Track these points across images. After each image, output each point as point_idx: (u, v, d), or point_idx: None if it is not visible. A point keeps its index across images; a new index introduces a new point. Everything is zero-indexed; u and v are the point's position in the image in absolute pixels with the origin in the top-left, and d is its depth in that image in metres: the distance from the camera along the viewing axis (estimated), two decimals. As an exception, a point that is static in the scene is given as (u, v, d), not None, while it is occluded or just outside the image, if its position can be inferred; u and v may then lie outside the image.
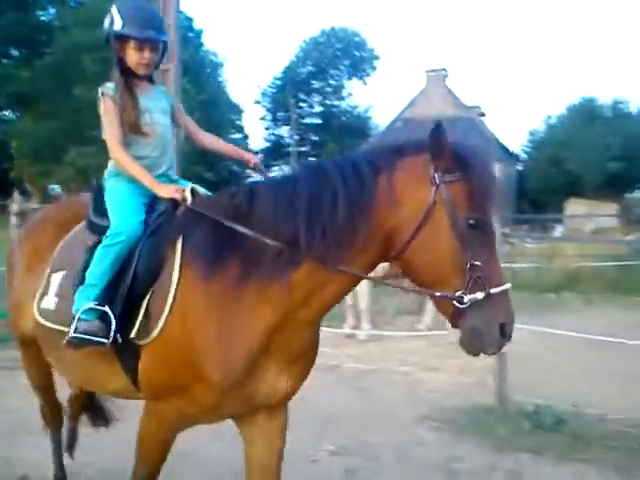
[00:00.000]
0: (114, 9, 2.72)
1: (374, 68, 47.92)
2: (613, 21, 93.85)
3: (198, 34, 33.36)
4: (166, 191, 2.58)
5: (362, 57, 46.67)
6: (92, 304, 2.42)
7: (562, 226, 24.19)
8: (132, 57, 2.75)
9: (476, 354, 2.26)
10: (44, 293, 2.69)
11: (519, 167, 41.15)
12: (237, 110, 38.99)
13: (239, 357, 2.30)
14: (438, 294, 2.22)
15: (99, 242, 2.52)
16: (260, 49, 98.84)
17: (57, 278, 2.66)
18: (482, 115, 38.10)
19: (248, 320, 2.30)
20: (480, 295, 2.15)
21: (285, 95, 40.09)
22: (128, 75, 2.75)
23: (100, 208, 2.70)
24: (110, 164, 2.78)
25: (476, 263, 2.16)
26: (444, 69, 36.83)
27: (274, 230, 2.28)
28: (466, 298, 2.16)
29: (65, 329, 2.48)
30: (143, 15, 2.77)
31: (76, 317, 2.40)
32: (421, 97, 36.70)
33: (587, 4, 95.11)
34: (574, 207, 28.20)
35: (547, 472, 4.08)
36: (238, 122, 39.32)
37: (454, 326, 2.26)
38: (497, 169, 2.56)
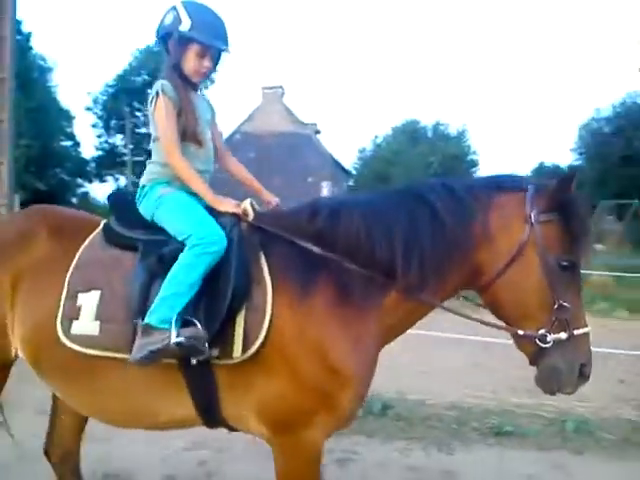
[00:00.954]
0: (181, 7, 2.54)
1: (212, 81, 47.78)
2: (435, 50, 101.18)
3: (27, 37, 31.44)
4: (227, 206, 2.46)
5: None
6: (180, 315, 2.21)
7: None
8: (191, 62, 2.58)
9: (552, 393, 2.31)
10: (72, 317, 2.35)
11: (350, 183, 43.06)
12: (68, 117, 37.13)
13: (369, 364, 2.34)
14: (521, 333, 2.25)
15: (161, 257, 2.33)
16: (91, 54, 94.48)
17: (90, 299, 2.35)
18: (318, 132, 39.48)
19: (364, 336, 2.29)
20: (563, 336, 2.20)
21: (119, 103, 38.76)
22: (183, 79, 2.59)
23: (128, 218, 2.53)
24: (154, 171, 2.59)
25: (564, 304, 2.20)
26: (281, 87, 37.64)
27: (366, 257, 2.27)
28: (549, 337, 2.21)
29: (117, 355, 2.29)
30: (213, 21, 2.59)
31: (173, 325, 2.17)
32: (258, 112, 37.28)
33: (409, 33, 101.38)
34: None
35: (378, 450, 4.51)
36: (69, 129, 37.44)
37: (532, 364, 2.32)
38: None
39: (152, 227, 2.49)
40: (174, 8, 2.54)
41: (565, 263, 2.21)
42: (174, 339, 2.13)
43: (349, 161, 44.50)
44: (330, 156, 38.51)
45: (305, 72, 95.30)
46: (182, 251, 2.28)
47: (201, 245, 2.24)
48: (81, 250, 2.45)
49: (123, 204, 2.64)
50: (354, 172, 44.25)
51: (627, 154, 33.98)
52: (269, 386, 2.24)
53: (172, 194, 2.49)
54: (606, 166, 34.58)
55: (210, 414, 2.36)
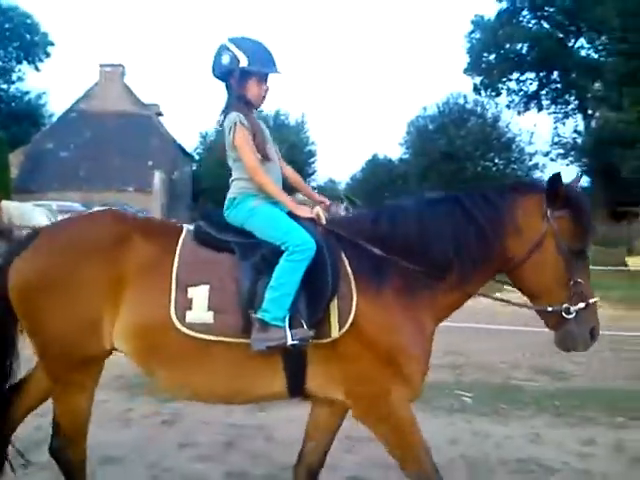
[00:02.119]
0: (233, 46, 2.98)
1: (48, 54, 45.26)
2: (278, 39, 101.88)
3: None
4: (305, 212, 2.93)
5: (34, 41, 43.68)
6: (289, 312, 2.67)
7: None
8: (254, 90, 3.04)
9: (568, 351, 2.95)
10: (185, 308, 2.72)
11: (194, 167, 42.77)
12: None
13: (428, 347, 2.86)
14: (550, 309, 2.84)
15: (263, 257, 2.77)
16: None
17: (201, 292, 2.74)
18: (160, 114, 38.90)
19: (423, 322, 2.82)
20: (582, 305, 2.79)
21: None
22: (248, 106, 3.05)
23: (222, 224, 2.96)
24: (242, 186, 3.01)
25: (578, 280, 2.80)
26: (122, 65, 36.59)
27: (421, 256, 2.82)
28: (572, 309, 2.79)
29: (231, 340, 2.72)
30: (262, 51, 3.05)
31: (286, 325, 2.64)
32: (97, 90, 36.08)
33: (254, 20, 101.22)
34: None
35: (203, 412, 5.06)
36: None
37: (553, 329, 2.93)
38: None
39: (241, 232, 2.93)
40: (227, 48, 3.01)
41: (575, 249, 2.83)
42: (290, 341, 2.62)
43: (192, 145, 44.03)
44: (172, 139, 38.13)
45: (150, 52, 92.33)
46: (278, 252, 2.75)
47: (298, 252, 2.69)
48: (179, 250, 2.84)
49: (211, 213, 3.12)
50: (197, 157, 43.92)
51: (448, 151, 36.90)
52: (349, 363, 2.75)
53: (263, 206, 2.95)
54: (430, 161, 37.41)
55: (297, 386, 2.81)
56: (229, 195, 3.06)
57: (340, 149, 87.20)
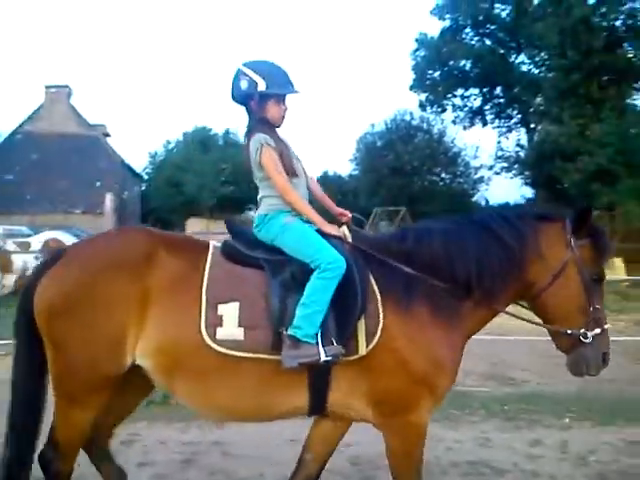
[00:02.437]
0: (250, 72, 3.08)
1: (-12, 75, 44.13)
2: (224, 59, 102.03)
3: None
4: (332, 229, 3.01)
5: (-27, 61, 42.64)
6: (320, 330, 2.73)
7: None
8: (274, 111, 3.14)
9: (581, 376, 3.07)
10: (216, 325, 2.76)
11: (142, 187, 42.39)
12: None
13: (456, 358, 2.96)
14: (569, 332, 2.96)
15: (293, 274, 2.84)
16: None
17: (231, 309, 2.78)
18: (107, 135, 38.40)
19: (450, 337, 2.90)
20: (598, 331, 2.95)
21: None
22: (270, 127, 3.13)
23: (247, 241, 3.02)
24: (272, 203, 3.08)
25: (597, 307, 2.97)
26: (67, 86, 36.04)
27: (447, 274, 2.91)
28: (589, 334, 2.94)
29: (261, 356, 2.76)
30: (279, 73, 3.15)
31: (319, 342, 2.71)
32: (42, 112, 35.40)
33: (198, 40, 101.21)
34: (193, 225, 30.79)
35: (160, 431, 5.23)
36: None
37: (566, 353, 3.06)
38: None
39: (271, 249, 3.00)
40: (243, 73, 3.11)
41: (595, 277, 3.00)
42: (323, 358, 2.70)
43: (140, 165, 43.58)
44: (120, 160, 37.69)
45: (95, 73, 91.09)
46: (307, 270, 2.82)
47: (330, 269, 2.77)
48: (208, 267, 2.89)
49: (240, 229, 3.17)
50: (146, 176, 43.49)
51: (396, 166, 37.44)
52: (378, 377, 2.84)
53: (295, 223, 3.02)
54: (378, 176, 37.83)
55: (320, 402, 2.89)
56: (259, 212, 3.14)
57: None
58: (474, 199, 42.53)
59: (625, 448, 5.10)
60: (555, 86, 22.69)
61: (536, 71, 30.73)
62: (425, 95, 40.84)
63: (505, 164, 35.72)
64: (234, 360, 2.77)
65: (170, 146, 44.60)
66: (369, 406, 2.89)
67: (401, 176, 37.09)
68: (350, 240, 3.03)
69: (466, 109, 41.78)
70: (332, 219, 3.26)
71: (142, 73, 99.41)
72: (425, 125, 41.68)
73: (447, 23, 39.46)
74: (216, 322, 2.76)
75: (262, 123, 3.14)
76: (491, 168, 39.17)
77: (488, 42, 39.61)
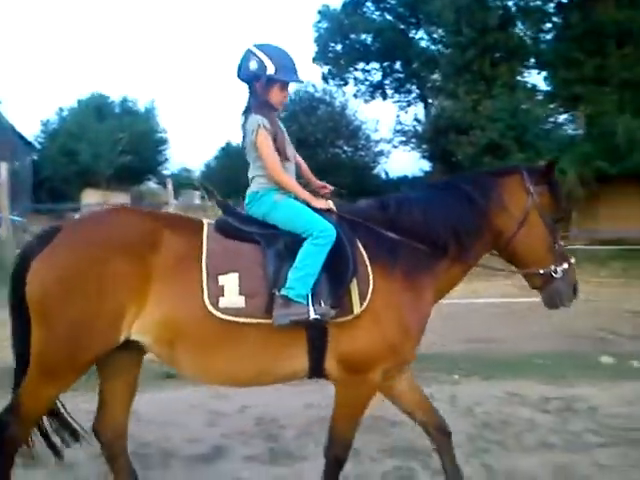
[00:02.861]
0: (261, 53, 3.21)
1: None
2: (123, 25, 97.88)
3: None
4: (320, 203, 3.22)
5: None
6: (311, 292, 2.92)
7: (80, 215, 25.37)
8: (277, 96, 3.30)
9: (556, 308, 3.37)
10: (217, 295, 2.92)
11: (34, 157, 40.37)
12: None
13: (425, 322, 3.20)
14: (542, 271, 3.28)
15: (286, 245, 3.05)
16: None
17: (231, 280, 2.95)
18: (-3, 102, 36.08)
19: (425, 299, 3.17)
20: (566, 265, 3.29)
21: None
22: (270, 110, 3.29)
23: (240, 217, 3.23)
24: (262, 182, 3.27)
25: (560, 243, 3.31)
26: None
27: (425, 237, 3.16)
28: (559, 269, 3.26)
29: (261, 321, 2.94)
30: (289, 60, 3.29)
31: (309, 301, 2.91)
32: None
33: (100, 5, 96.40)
34: (89, 196, 29.71)
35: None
36: None
37: (540, 290, 3.37)
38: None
39: (262, 224, 3.20)
40: (253, 54, 3.25)
41: (554, 218, 3.33)
42: (312, 315, 2.90)
43: (32, 133, 41.44)
44: (11, 127, 35.72)
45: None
46: (299, 240, 3.04)
47: (322, 237, 3.00)
48: (205, 243, 3.04)
49: (231, 207, 3.35)
50: (38, 145, 41.44)
51: (300, 137, 37.58)
52: (359, 338, 3.02)
53: (285, 200, 3.23)
54: (282, 148, 37.81)
55: (319, 365, 3.07)
56: (250, 190, 3.33)
57: (193, 137, 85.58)
58: (375, 172, 43.54)
59: (507, 399, 5.63)
60: (451, 62, 23.52)
61: (434, 47, 31.57)
62: (328, 68, 41.17)
63: (403, 138, 36.63)
64: (236, 327, 2.95)
65: (64, 114, 42.67)
66: (338, 363, 3.07)
67: (305, 148, 37.19)
68: (336, 211, 3.27)
69: (367, 83, 42.50)
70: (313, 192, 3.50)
71: (32, 34, 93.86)
72: (328, 98, 42.00)
73: (349, -5, 39.82)
74: (218, 292, 2.93)
75: (263, 105, 3.29)
76: (390, 142, 40.25)
77: (389, 17, 40.29)
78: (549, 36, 24.56)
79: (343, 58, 40.33)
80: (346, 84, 42.15)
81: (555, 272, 3.28)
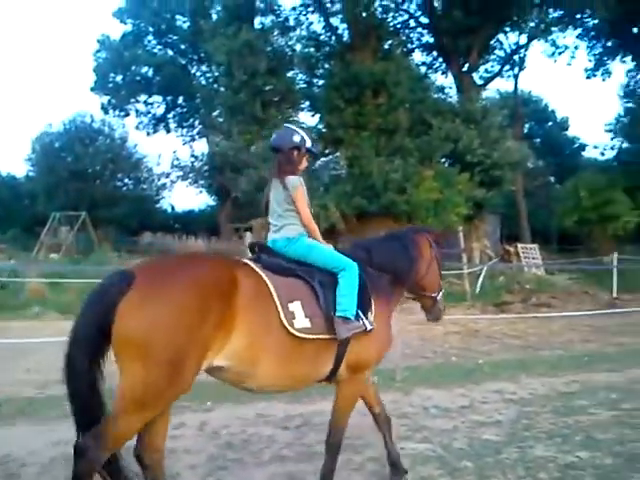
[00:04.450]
0: (301, 131, 4.31)
1: None
2: None
3: None
4: (329, 246, 4.26)
5: None
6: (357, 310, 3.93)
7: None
8: (304, 163, 4.34)
9: (437, 321, 4.95)
10: (291, 318, 3.66)
11: None
12: None
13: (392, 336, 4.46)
14: (434, 295, 4.78)
15: (328, 279, 3.95)
16: None
17: (297, 307, 3.72)
18: None
19: (391, 318, 4.45)
20: (442, 291, 4.88)
21: None
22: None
23: (291, 259, 4.04)
24: (296, 229, 4.15)
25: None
26: None
27: (393, 273, 4.40)
28: (439, 295, 4.82)
29: (321, 336, 3.80)
30: (310, 138, 4.36)
31: (361, 317, 3.92)
32: None
33: None
34: None
35: None
36: None
37: (427, 309, 4.84)
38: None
39: (298, 262, 4.04)
40: (296, 130, 4.33)
41: (440, 264, 4.83)
42: (368, 327, 3.95)
43: None
44: None
45: None
46: (330, 274, 3.99)
47: (351, 270, 4.01)
48: (267, 280, 3.71)
49: (270, 250, 4.11)
50: None
51: (76, 169, 36.22)
52: (362, 348, 3.99)
53: (316, 243, 4.18)
54: (57, 179, 36.18)
55: (336, 369, 3.97)
56: (286, 235, 4.13)
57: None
58: (159, 205, 43.13)
59: (253, 420, 6.10)
60: (225, 103, 24.32)
61: (214, 85, 32.35)
62: (107, 98, 40.23)
63: (180, 173, 36.76)
64: (302, 342, 3.71)
65: None
66: (347, 367, 4.02)
67: (82, 180, 35.98)
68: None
69: (150, 115, 42.21)
70: None
71: None
72: (107, 129, 41.00)
73: (129, 27, 39.41)
74: (291, 316, 3.67)
75: (296, 169, 4.25)
76: (168, 176, 40.19)
77: (170, 51, 40.54)
78: (322, 81, 26.22)
79: (124, 89, 39.69)
80: (127, 115, 41.54)
81: (438, 296, 4.81)
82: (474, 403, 6.84)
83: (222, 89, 26.11)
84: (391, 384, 7.26)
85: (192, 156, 35.74)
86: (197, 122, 41.42)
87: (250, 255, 4.20)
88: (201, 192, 35.66)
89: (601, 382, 8.06)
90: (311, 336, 3.75)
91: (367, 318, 3.98)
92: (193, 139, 42.20)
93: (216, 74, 30.28)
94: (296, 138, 4.25)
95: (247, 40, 21.93)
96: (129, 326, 3.12)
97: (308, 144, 4.29)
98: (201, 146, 40.09)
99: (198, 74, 39.35)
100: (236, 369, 3.53)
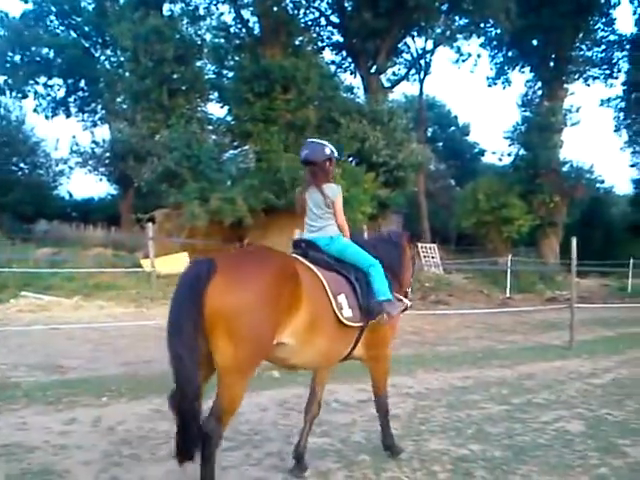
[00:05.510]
0: (329, 144, 4.86)
1: None
2: None
3: None
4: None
5: None
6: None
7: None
8: (332, 171, 4.96)
9: (405, 310, 5.14)
10: (340, 308, 4.27)
11: None
12: None
13: None
14: (409, 289, 5.37)
15: (362, 274, 4.57)
16: None
17: (343, 299, 4.32)
18: None
19: None
20: (411, 288, 5.59)
21: None
22: None
23: (334, 257, 4.59)
24: (334, 230, 4.73)
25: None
26: None
27: (388, 268, 4.84)
28: (410, 290, 5.44)
29: (356, 324, 4.40)
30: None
31: (392, 299, 4.67)
32: None
33: None
34: None
35: None
36: None
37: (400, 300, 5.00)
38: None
39: (334, 258, 4.60)
40: (325, 145, 4.86)
41: (414, 264, 5.57)
42: (409, 304, 5.11)
43: None
44: None
45: None
46: (361, 269, 4.60)
47: (378, 265, 4.66)
48: (318, 273, 4.30)
49: (316, 246, 4.63)
50: None
51: None
52: (378, 332, 4.67)
53: (351, 242, 4.79)
54: None
55: (353, 349, 4.59)
56: (327, 234, 4.69)
57: None
58: (56, 192, 41.33)
59: (150, 415, 5.97)
60: (130, 89, 23.60)
61: (118, 71, 31.31)
62: (4, 78, 38.21)
63: (79, 159, 35.13)
64: (344, 328, 4.34)
65: None
66: (364, 347, 4.65)
67: None
68: None
69: (49, 98, 40.42)
70: None
71: None
72: (3, 110, 38.86)
73: (30, 6, 37.57)
74: (340, 306, 4.29)
75: (331, 177, 4.90)
76: (67, 162, 38.40)
77: (73, 33, 38.95)
78: (232, 73, 25.89)
79: (22, 70, 37.78)
80: (25, 97, 39.53)
81: (409, 291, 5.43)
82: (373, 397, 6.94)
83: (127, 74, 25.36)
84: (294, 379, 7.26)
85: (93, 142, 34.15)
86: (99, 107, 40.01)
87: (294, 250, 4.73)
88: (101, 180, 34.34)
89: (493, 377, 8.44)
90: (353, 324, 4.41)
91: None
92: (95, 125, 40.70)
93: (121, 59, 29.36)
94: (327, 151, 4.83)
95: (155, 26, 21.40)
96: (219, 305, 3.60)
97: (336, 155, 4.96)
98: (103, 132, 38.42)
99: (102, 58, 37.86)
100: (292, 347, 4.05)
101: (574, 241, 11.59)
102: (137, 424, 5.70)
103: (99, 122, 40.48)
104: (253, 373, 3.91)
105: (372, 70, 29.35)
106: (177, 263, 17.02)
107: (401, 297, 4.94)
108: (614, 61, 37.48)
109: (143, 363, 8.52)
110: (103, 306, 13.68)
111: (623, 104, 38.01)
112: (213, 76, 27.30)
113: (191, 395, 3.57)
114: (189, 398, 3.57)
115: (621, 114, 38.50)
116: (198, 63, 25.99)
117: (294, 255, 4.54)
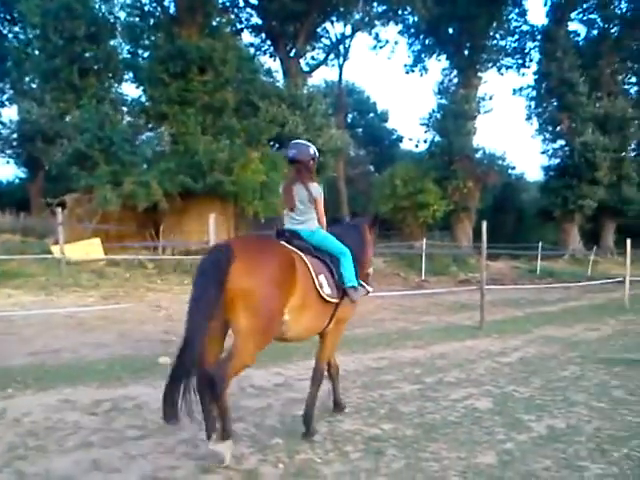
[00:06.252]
0: (311, 145, 5.52)
1: None
2: None
3: None
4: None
5: None
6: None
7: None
8: (314, 168, 5.53)
9: (368, 294, 5.78)
10: (321, 286, 4.90)
11: None
12: None
13: None
14: (370, 271, 5.97)
15: (335, 259, 5.22)
16: None
17: (323, 278, 4.97)
18: None
19: None
20: (372, 268, 6.16)
21: None
22: None
23: (314, 246, 5.19)
24: (315, 223, 5.32)
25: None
26: None
27: (354, 252, 5.43)
28: (371, 270, 6.01)
29: (335, 300, 5.09)
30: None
31: (363, 285, 5.58)
32: None
33: None
34: None
35: None
36: None
37: (364, 280, 5.67)
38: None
39: (314, 247, 5.16)
40: (309, 145, 5.43)
41: (373, 246, 6.18)
42: (370, 289, 5.72)
43: None
44: None
45: None
46: (335, 256, 5.22)
47: (348, 253, 5.28)
48: (305, 258, 4.92)
49: (299, 236, 5.19)
50: None
51: None
52: (345, 308, 5.30)
53: (327, 234, 5.33)
54: None
55: (329, 323, 5.20)
56: (310, 228, 5.24)
57: None
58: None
59: (58, 406, 5.76)
60: (38, 67, 22.55)
61: (27, 49, 29.82)
62: None
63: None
64: (325, 303, 4.95)
65: None
66: (334, 321, 5.25)
67: None
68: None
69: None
70: None
71: None
72: None
73: None
74: (320, 285, 4.89)
75: (313, 175, 5.45)
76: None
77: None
78: (147, 53, 25.16)
79: None
80: None
81: (370, 272, 5.97)
82: (289, 381, 7.00)
83: (36, 53, 24.18)
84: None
85: (0, 123, 32.53)
86: (7, 87, 37.96)
87: (279, 238, 5.23)
88: (9, 163, 32.66)
89: (407, 358, 8.64)
90: (332, 300, 5.02)
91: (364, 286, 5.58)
92: (2, 105, 38.54)
93: (30, 36, 27.96)
94: (312, 151, 5.40)
95: (65, 3, 20.46)
96: (240, 284, 4.28)
97: (317, 154, 5.52)
98: (10, 113, 36.47)
99: (10, 35, 35.93)
100: (290, 321, 4.66)
101: (484, 225, 11.99)
102: (44, 415, 5.52)
103: (7, 102, 38.51)
104: (263, 346, 4.50)
105: (291, 54, 29.24)
106: (88, 249, 16.53)
107: (364, 284, 5.56)
108: (526, 51, 39.07)
109: (52, 352, 8.29)
110: (11, 294, 13.09)
111: (534, 93, 39.52)
112: (128, 56, 26.38)
113: (193, 353, 4.15)
114: (192, 354, 4.13)
115: (532, 103, 39.93)
116: (112, 42, 25.11)
117: (281, 242, 5.14)
